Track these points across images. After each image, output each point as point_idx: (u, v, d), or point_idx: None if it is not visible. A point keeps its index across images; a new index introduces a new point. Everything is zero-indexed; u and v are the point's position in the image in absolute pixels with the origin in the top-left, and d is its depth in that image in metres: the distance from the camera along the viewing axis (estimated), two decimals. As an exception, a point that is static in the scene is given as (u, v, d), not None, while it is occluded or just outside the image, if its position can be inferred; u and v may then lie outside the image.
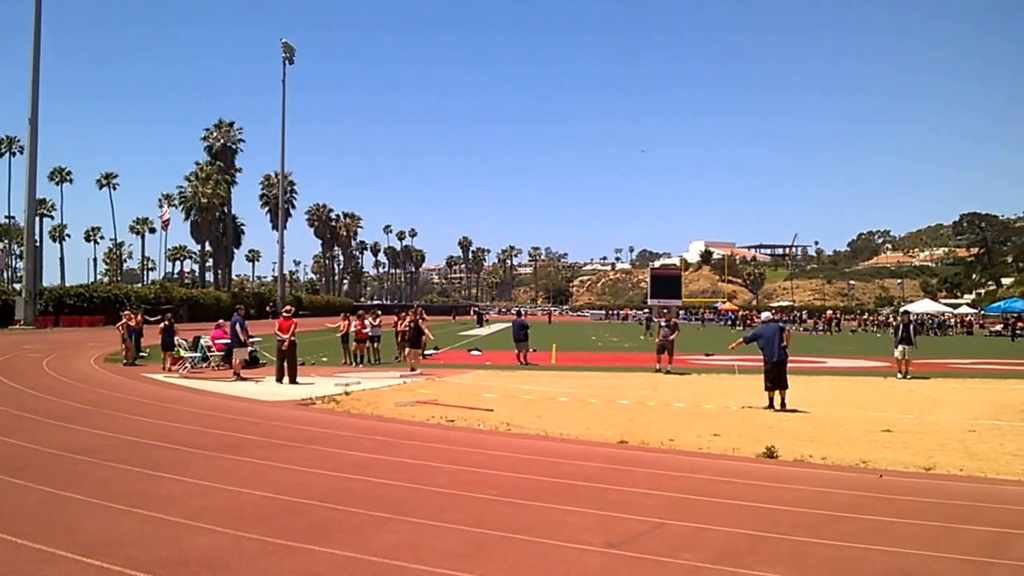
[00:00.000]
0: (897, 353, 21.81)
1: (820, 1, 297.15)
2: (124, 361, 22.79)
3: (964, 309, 78.80)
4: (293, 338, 18.22)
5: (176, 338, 22.40)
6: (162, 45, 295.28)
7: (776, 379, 14.48)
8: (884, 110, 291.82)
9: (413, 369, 20.95)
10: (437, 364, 24.41)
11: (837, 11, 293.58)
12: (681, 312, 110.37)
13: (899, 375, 21.36)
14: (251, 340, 23.16)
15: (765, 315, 17.64)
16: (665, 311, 34.36)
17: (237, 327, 19.11)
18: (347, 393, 16.04)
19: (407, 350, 21.54)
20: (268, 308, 76.27)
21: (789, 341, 14.97)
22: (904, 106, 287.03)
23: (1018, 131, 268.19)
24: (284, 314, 19.31)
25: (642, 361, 26.71)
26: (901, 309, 70.85)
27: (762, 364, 14.87)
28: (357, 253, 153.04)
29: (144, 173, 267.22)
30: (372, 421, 12.59)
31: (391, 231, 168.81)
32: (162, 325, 22.57)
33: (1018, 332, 53.14)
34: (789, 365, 15.05)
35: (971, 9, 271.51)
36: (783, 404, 14.35)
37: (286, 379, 17.84)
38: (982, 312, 73.73)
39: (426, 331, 23.04)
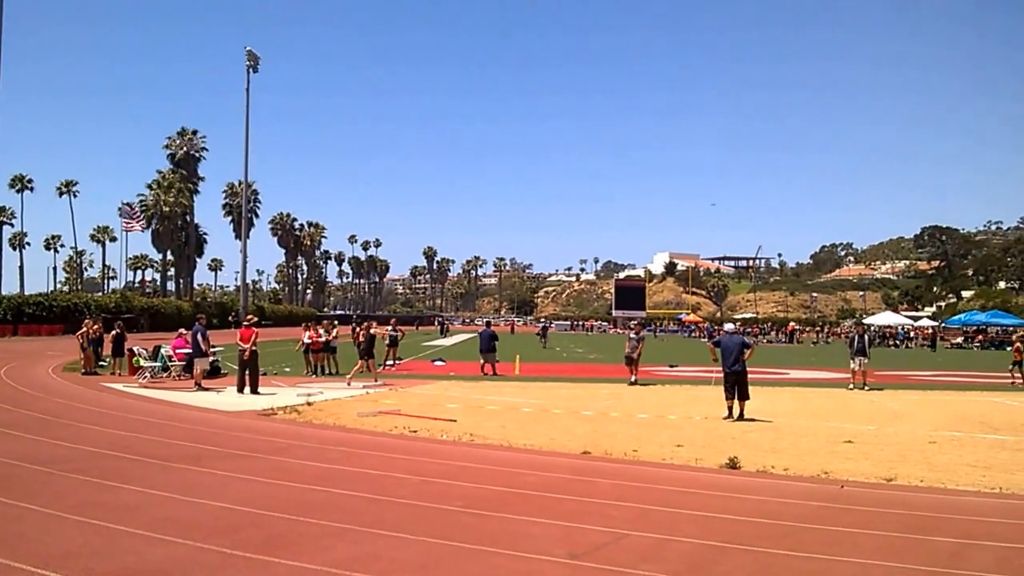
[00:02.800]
0: (854, 365, 22.18)
1: (781, 14, 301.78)
2: (83, 370, 22.39)
3: (925, 322, 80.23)
4: (254, 348, 18.00)
5: (136, 347, 22.13)
6: (126, 51, 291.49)
7: (734, 389, 14.69)
8: (847, 125, 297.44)
9: (375, 380, 20.77)
10: (400, 375, 24.29)
11: (800, 26, 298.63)
12: (617, 323, 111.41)
13: (851, 387, 21.75)
14: (212, 350, 22.89)
15: (728, 327, 17.81)
16: (634, 322, 34.52)
17: (198, 336, 18.87)
18: (309, 403, 15.90)
19: (367, 361, 21.23)
20: (231, 318, 75.31)
21: (749, 356, 15.14)
22: (866, 121, 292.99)
23: (978, 146, 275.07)
24: (245, 323, 19.08)
25: (607, 372, 26.82)
26: (853, 321, 72.20)
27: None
28: (321, 263, 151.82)
29: (105, 181, 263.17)
30: (334, 432, 12.49)
31: (356, 241, 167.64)
32: (113, 333, 23.15)
33: (939, 342, 57.39)
34: (751, 377, 15.27)
35: (931, 26, 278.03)
36: (741, 415, 14.56)
37: (247, 389, 17.63)
38: (943, 325, 75.15)
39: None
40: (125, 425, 12.73)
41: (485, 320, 38.33)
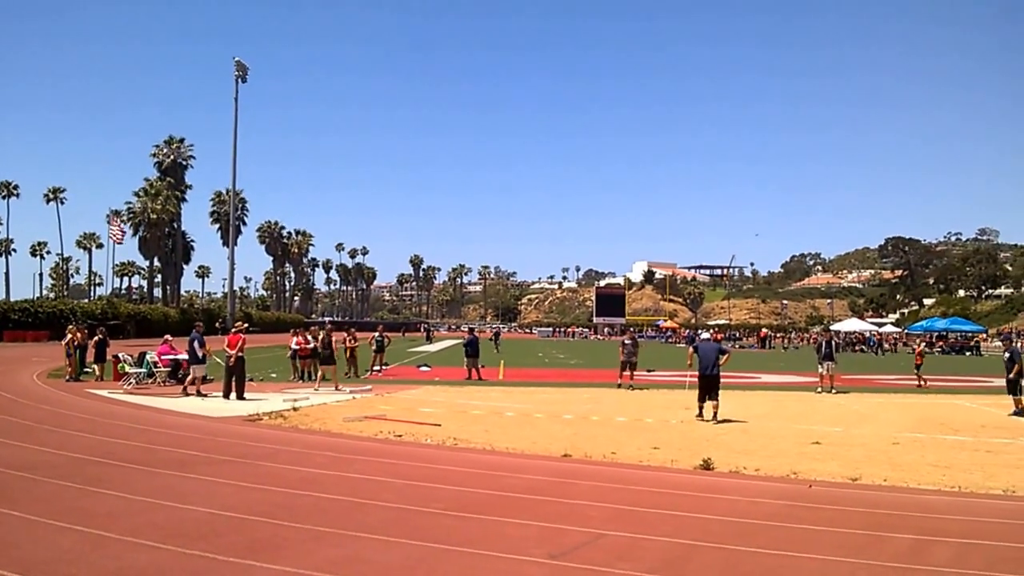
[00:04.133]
0: (822, 369, 22.34)
1: (748, 31, 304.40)
2: (68, 377, 22.08)
3: (889, 328, 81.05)
4: (241, 354, 17.74)
5: (122, 354, 21.88)
6: (113, 60, 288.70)
7: (707, 391, 15.01)
8: (815, 140, 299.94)
9: (336, 387, 20.46)
10: (386, 380, 24.18)
11: (767, 43, 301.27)
12: (607, 329, 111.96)
13: (819, 390, 21.87)
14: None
15: (705, 335, 18.20)
16: (629, 329, 34.72)
17: (195, 344, 18.44)
18: (295, 409, 15.75)
19: (329, 368, 21.11)
20: (217, 324, 74.66)
21: (726, 362, 15.45)
22: (833, 135, 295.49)
23: (938, 161, 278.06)
24: (234, 329, 18.83)
25: (588, 377, 26.88)
26: (820, 328, 73.06)
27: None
28: (308, 270, 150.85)
29: (93, 188, 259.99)
30: (320, 436, 12.39)
31: (343, 249, 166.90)
32: (95, 339, 23.05)
33: (886, 349, 60.28)
34: (725, 380, 15.46)
35: (897, 42, 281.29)
36: (715, 416, 14.75)
37: (233, 395, 17.45)
38: (906, 331, 75.97)
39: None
40: (110, 431, 12.56)
41: (469, 327, 38.26)
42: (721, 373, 15.25)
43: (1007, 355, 17.46)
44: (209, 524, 6.71)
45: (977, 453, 11.60)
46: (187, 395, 18.05)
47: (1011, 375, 16.92)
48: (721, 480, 9.29)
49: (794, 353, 57.86)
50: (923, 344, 31.07)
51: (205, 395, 18.10)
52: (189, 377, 18.75)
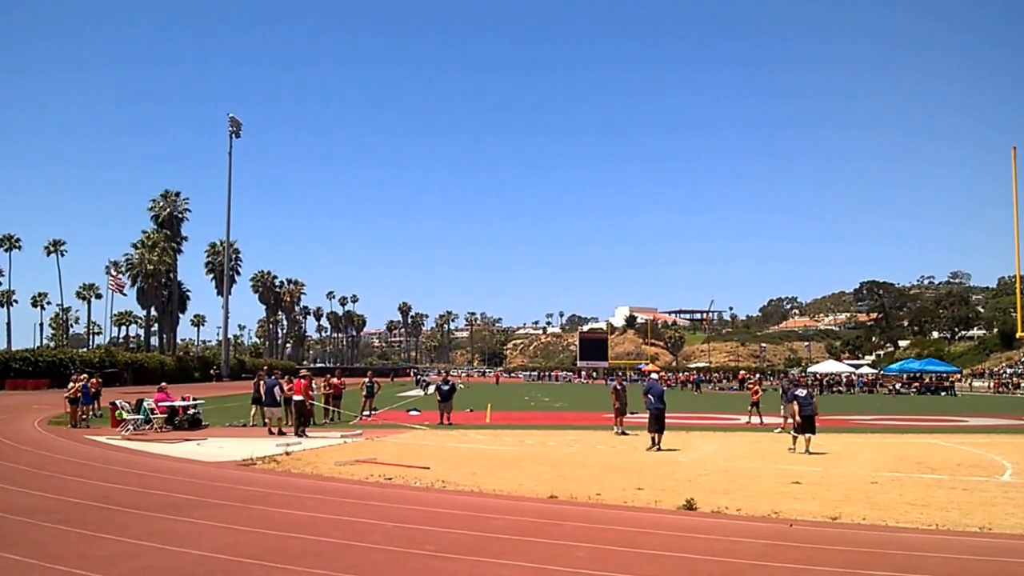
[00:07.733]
0: (784, 411, 22.34)
1: (718, 83, 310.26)
2: (69, 424, 21.87)
3: (865, 369, 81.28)
4: (301, 397, 19.80)
5: (119, 400, 21.78)
6: (112, 117, 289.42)
7: (657, 424, 17.07)
8: (790, 187, 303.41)
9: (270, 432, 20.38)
10: (376, 424, 24.03)
11: (741, 98, 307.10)
12: (583, 372, 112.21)
13: (778, 430, 21.72)
14: (195, 402, 22.59)
15: (653, 376, 19.18)
16: (618, 374, 34.65)
17: (276, 390, 19.73)
18: (288, 453, 15.63)
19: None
20: (212, 372, 74.31)
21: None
22: (808, 183, 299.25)
23: (910, 207, 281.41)
24: (300, 375, 21.23)
25: (573, 419, 26.78)
26: (782, 374, 73.26)
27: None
28: (300, 318, 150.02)
29: (92, 240, 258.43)
30: (312, 480, 12.29)
31: (334, 297, 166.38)
32: (76, 385, 22.96)
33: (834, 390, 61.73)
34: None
35: (869, 95, 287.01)
36: (659, 444, 16.86)
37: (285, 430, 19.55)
38: (882, 372, 76.22)
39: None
40: (108, 476, 12.42)
41: (435, 373, 38.22)
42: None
43: (803, 392, 17.46)
44: (203, 566, 6.65)
45: (953, 491, 11.60)
46: (271, 434, 19.30)
47: (812, 414, 16.56)
48: (704, 520, 9.25)
49: (772, 395, 57.76)
50: (757, 382, 31.54)
51: (284, 433, 19.48)
52: (278, 419, 20.17)
